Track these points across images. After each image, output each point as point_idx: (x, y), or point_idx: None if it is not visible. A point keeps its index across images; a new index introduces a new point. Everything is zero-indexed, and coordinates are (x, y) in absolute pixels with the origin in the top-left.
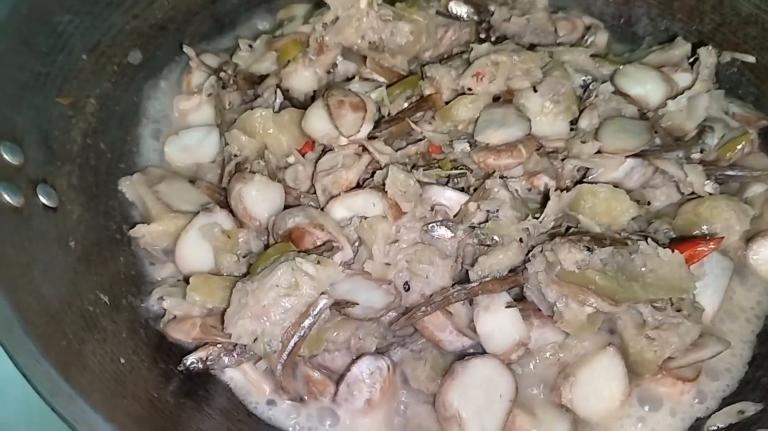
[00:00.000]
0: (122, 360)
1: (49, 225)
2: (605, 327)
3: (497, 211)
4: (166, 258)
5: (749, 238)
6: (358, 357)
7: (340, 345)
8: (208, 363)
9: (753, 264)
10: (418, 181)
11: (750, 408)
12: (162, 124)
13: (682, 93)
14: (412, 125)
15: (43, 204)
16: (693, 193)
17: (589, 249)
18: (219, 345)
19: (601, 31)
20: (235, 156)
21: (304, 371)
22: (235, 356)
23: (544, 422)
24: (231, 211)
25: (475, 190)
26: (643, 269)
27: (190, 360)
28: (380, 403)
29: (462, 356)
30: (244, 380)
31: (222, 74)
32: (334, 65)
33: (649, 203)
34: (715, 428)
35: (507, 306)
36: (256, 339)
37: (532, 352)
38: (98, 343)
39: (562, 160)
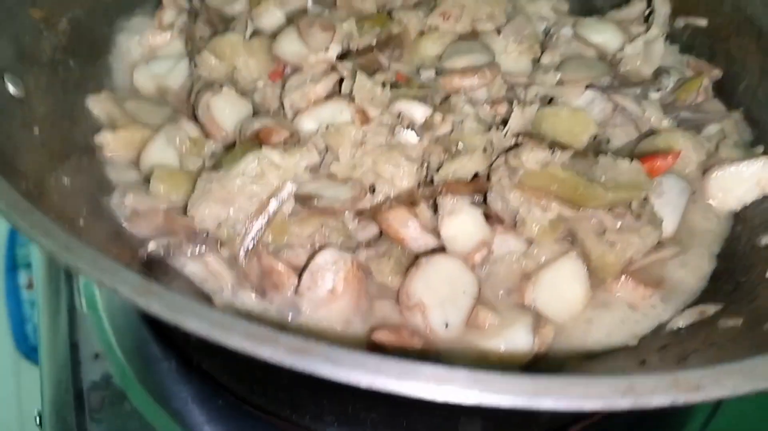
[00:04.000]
0: (81, 222)
1: (14, 109)
2: (568, 238)
3: (462, 122)
4: (130, 168)
5: (705, 170)
6: (322, 248)
7: (305, 241)
8: (170, 249)
9: (710, 193)
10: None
11: (711, 308)
12: (132, 56)
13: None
14: (381, 58)
15: (9, 90)
16: (651, 132)
17: (551, 148)
18: (181, 234)
19: (561, 0)
20: (205, 78)
21: (267, 262)
22: (198, 244)
23: (507, 317)
24: (198, 123)
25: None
26: (603, 178)
27: (152, 246)
28: (344, 294)
29: None
30: (205, 272)
31: (194, 2)
32: (305, 10)
33: (608, 141)
34: (677, 327)
35: (470, 203)
36: (219, 225)
37: (496, 260)
38: (59, 206)
39: (525, 88)
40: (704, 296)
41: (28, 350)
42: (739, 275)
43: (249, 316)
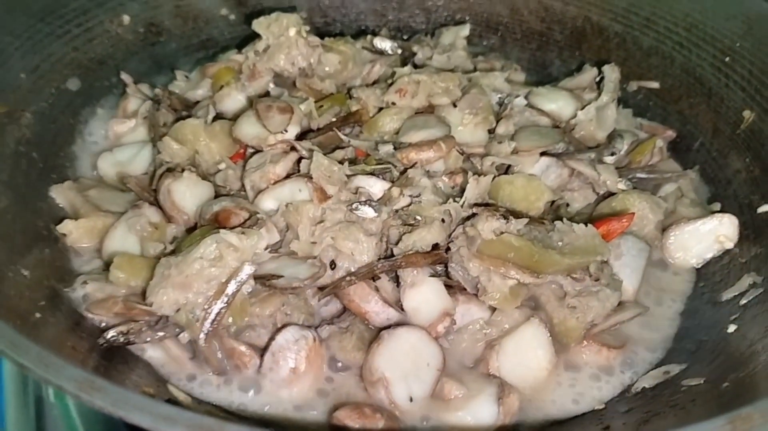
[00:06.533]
0: (38, 315)
1: None
2: (530, 304)
3: (419, 195)
4: (92, 256)
5: (664, 229)
6: (283, 327)
7: (266, 320)
8: (130, 336)
9: (670, 251)
10: (345, 175)
11: (675, 368)
12: (97, 146)
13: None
14: (340, 135)
15: None
16: (609, 194)
17: (505, 218)
18: (141, 320)
19: (517, 72)
20: (167, 163)
21: (228, 343)
22: (158, 330)
23: (472, 388)
24: (160, 208)
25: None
26: (560, 243)
27: (111, 333)
28: (306, 373)
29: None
30: (165, 357)
31: (157, 91)
32: (267, 92)
33: (568, 205)
34: (642, 388)
35: (431, 275)
36: (178, 310)
37: (460, 329)
38: (14, 299)
39: (481, 158)
40: (669, 356)
41: None
42: (702, 333)
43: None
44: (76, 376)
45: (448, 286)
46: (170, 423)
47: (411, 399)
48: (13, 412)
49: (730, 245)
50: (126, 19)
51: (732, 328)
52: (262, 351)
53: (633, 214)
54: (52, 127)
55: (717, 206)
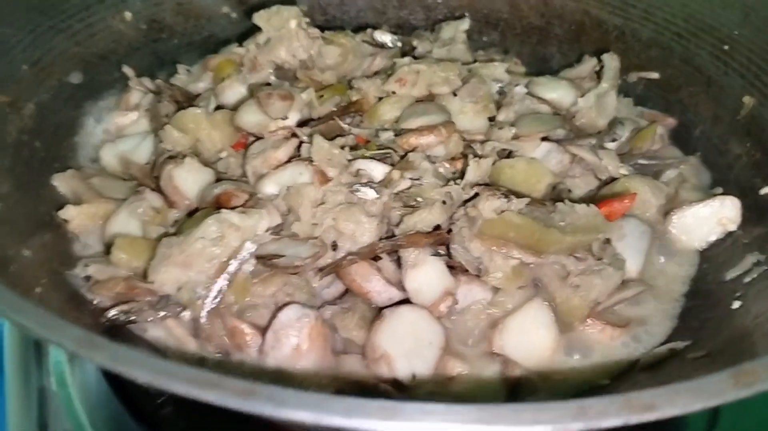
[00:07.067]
0: (38, 289)
1: None
2: (533, 285)
3: (420, 178)
4: (94, 241)
5: (667, 212)
6: (285, 305)
7: (268, 300)
8: (131, 315)
9: (674, 234)
10: (346, 159)
11: (680, 345)
12: (98, 137)
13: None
14: (341, 124)
15: None
16: (611, 180)
17: (506, 196)
18: (143, 299)
19: (517, 65)
20: (169, 151)
21: (230, 322)
22: (159, 309)
23: (475, 366)
24: (161, 193)
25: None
26: (562, 223)
27: (113, 312)
28: (309, 351)
29: None
30: (168, 337)
31: (159, 83)
32: (268, 84)
33: (569, 191)
34: (646, 365)
35: (432, 254)
36: (180, 288)
37: (462, 310)
38: (15, 276)
39: (482, 143)
40: (673, 335)
41: None
42: (707, 312)
43: None
44: (75, 334)
45: (450, 267)
46: (170, 377)
47: (414, 376)
48: (15, 402)
49: (733, 227)
50: (128, 15)
51: (736, 305)
52: (264, 330)
53: (635, 194)
54: (55, 118)
55: (719, 191)
